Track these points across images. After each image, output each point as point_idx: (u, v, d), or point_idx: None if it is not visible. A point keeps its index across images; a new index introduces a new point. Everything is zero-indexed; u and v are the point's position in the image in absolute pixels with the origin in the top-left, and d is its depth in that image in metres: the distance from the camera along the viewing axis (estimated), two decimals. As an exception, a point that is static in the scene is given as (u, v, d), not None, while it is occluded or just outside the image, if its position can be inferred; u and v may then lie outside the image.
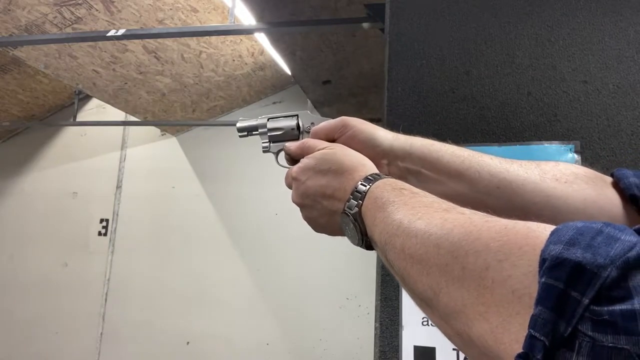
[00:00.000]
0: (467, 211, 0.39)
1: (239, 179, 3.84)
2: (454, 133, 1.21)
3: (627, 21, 1.18)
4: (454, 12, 1.30)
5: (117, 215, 4.14)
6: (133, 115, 3.76)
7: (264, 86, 3.80)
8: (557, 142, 1.15)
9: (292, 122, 0.64)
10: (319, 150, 0.57)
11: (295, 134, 0.64)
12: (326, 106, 2.96)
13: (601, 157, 1.12)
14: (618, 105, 1.14)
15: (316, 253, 3.56)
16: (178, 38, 2.77)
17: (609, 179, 0.54)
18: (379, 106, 3.00)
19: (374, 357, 1.16)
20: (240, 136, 0.68)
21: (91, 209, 4.21)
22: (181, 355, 3.69)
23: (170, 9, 2.63)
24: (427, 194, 0.45)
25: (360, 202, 0.48)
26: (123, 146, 4.27)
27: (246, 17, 2.14)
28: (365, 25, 1.76)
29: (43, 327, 4.05)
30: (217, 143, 3.96)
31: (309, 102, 3.09)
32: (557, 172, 0.53)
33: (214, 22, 2.79)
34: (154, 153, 4.17)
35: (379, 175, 0.51)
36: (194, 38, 2.84)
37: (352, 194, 0.50)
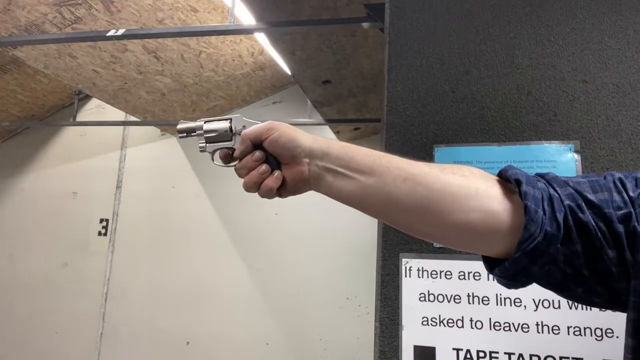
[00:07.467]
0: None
1: (239, 179, 3.82)
2: (453, 133, 1.21)
3: (627, 21, 1.18)
4: (454, 12, 1.30)
5: (117, 215, 4.14)
6: (133, 115, 3.76)
7: (264, 86, 3.80)
8: (556, 141, 1.15)
9: (225, 125, 0.71)
10: None
11: (228, 135, 0.71)
12: (326, 106, 2.96)
13: (601, 157, 1.12)
14: (618, 105, 1.14)
15: (316, 253, 3.56)
16: (178, 38, 2.77)
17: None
18: (379, 106, 2.99)
19: (374, 357, 1.16)
20: (180, 137, 0.75)
21: (91, 208, 4.20)
22: (181, 355, 3.69)
23: (170, 9, 2.63)
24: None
25: None
26: (123, 146, 4.27)
27: (246, 17, 2.14)
28: (365, 25, 1.76)
29: (43, 327, 4.05)
30: (217, 143, 3.96)
31: (309, 101, 3.08)
32: (455, 168, 0.61)
33: (214, 22, 2.79)
34: (154, 153, 4.17)
35: None
36: (194, 38, 2.84)
37: None
